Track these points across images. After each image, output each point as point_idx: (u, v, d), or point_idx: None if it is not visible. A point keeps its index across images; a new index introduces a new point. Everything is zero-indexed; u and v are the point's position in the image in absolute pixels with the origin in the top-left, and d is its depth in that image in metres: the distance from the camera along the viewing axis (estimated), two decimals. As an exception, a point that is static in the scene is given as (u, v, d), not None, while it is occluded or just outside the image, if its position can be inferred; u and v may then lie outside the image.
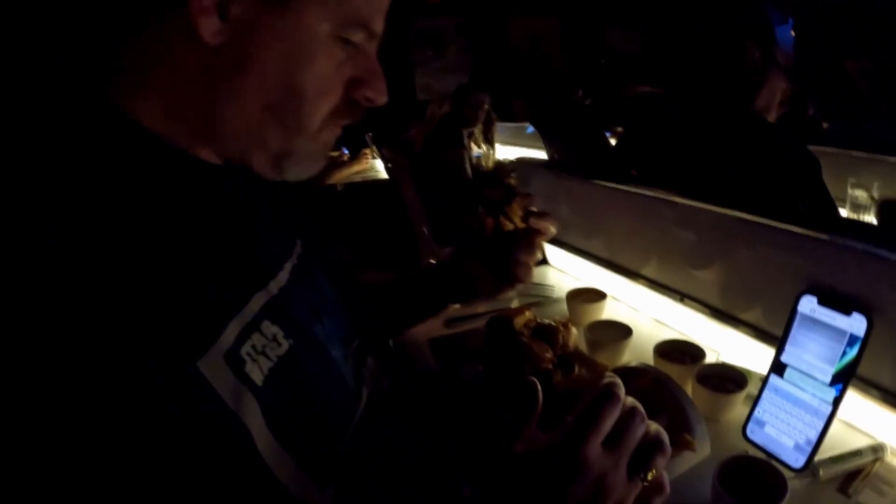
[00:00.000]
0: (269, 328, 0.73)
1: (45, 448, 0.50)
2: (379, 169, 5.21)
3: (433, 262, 1.22)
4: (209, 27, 0.64)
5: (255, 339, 0.70)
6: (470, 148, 4.78)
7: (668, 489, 0.71)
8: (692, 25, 1.78)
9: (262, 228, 0.86)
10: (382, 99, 0.77)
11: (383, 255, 4.32)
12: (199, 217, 0.72)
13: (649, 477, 0.68)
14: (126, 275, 0.58)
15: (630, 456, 0.68)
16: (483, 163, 4.96)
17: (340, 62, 0.72)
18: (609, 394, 0.69)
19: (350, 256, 4.56)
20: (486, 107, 4.82)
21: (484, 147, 5.09)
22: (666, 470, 0.94)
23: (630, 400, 0.71)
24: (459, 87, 4.82)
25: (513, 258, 1.18)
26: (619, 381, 0.71)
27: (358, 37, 0.72)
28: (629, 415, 0.69)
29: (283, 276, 0.83)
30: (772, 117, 1.73)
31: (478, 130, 4.93)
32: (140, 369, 0.54)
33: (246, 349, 0.67)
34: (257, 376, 0.67)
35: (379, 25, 0.74)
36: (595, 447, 0.67)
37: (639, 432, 0.69)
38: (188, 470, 0.57)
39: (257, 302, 0.74)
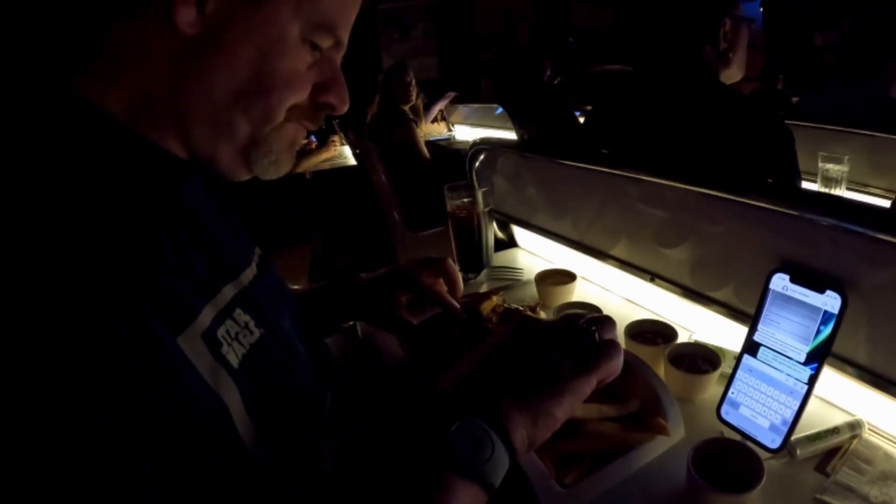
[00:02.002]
0: (241, 316, 0.77)
1: (44, 443, 0.50)
2: (347, 155, 5.18)
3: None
4: (186, 17, 0.66)
5: (229, 324, 0.73)
6: (416, 123, 4.89)
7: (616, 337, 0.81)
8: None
9: (229, 225, 0.90)
10: (343, 107, 0.81)
11: (355, 242, 4.31)
12: (169, 209, 0.74)
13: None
14: (100, 257, 0.58)
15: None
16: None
17: (309, 65, 0.76)
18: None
19: (323, 247, 4.55)
20: (410, 80, 4.97)
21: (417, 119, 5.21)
22: (640, 455, 0.93)
23: None
24: (386, 69, 5.02)
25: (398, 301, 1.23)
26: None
27: (326, 43, 0.76)
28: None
29: (250, 271, 0.87)
30: (738, 76, 1.75)
31: (418, 105, 5.20)
32: (121, 342, 0.55)
33: (221, 332, 0.71)
34: (233, 359, 0.70)
35: (345, 35, 0.78)
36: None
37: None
38: (171, 444, 0.58)
39: (229, 291, 0.78)
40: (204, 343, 0.67)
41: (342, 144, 5.33)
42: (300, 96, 0.76)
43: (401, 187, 4.06)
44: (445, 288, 1.20)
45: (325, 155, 5.12)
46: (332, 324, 1.30)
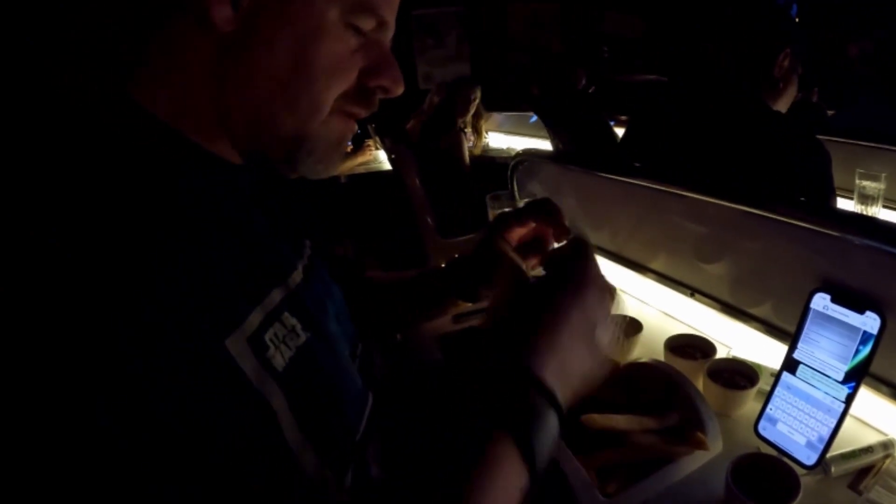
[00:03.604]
0: (289, 319, 0.75)
1: (40, 447, 0.49)
2: (382, 160, 5.20)
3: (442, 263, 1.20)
4: (222, 15, 0.65)
5: (276, 327, 0.71)
6: (465, 135, 4.90)
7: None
8: (723, 21, 1.77)
9: (276, 227, 0.87)
10: (398, 88, 0.78)
11: (387, 246, 4.32)
12: (218, 211, 0.73)
13: None
14: (153, 262, 0.58)
15: None
16: (474, 151, 5.13)
17: (353, 49, 0.72)
18: None
19: (354, 250, 4.57)
20: (476, 98, 5.00)
21: (473, 137, 5.29)
22: (679, 468, 0.94)
23: None
24: (455, 80, 5.03)
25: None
26: None
27: (368, 25, 0.72)
28: None
29: (297, 275, 0.84)
30: (783, 108, 1.73)
31: (468, 120, 5.15)
32: (169, 347, 0.55)
33: (269, 335, 0.69)
34: (279, 363, 0.69)
35: (389, 14, 0.74)
36: None
37: None
38: (218, 447, 0.58)
39: (277, 294, 0.75)
40: (249, 346, 0.66)
41: (377, 149, 5.37)
42: (345, 83, 0.73)
43: (435, 193, 4.07)
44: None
45: (360, 159, 5.15)
46: (435, 307, 1.26)
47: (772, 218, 1.16)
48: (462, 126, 4.91)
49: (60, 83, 0.71)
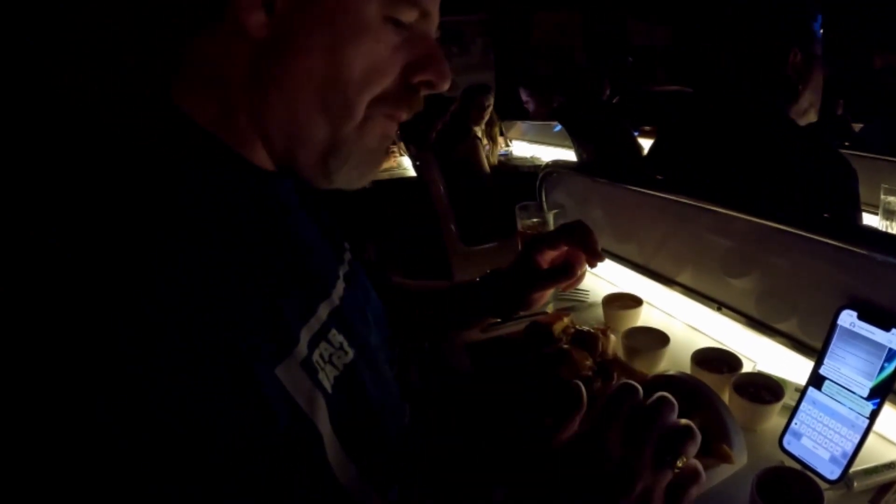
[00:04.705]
0: (336, 337, 0.74)
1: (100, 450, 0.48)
2: (407, 166, 5.23)
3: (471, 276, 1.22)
4: (256, 21, 0.64)
5: (323, 347, 0.71)
6: (482, 141, 4.94)
7: (703, 476, 0.69)
8: (724, 24, 1.76)
9: (318, 235, 0.87)
10: (444, 83, 0.74)
11: (410, 252, 4.34)
12: (261, 223, 0.72)
13: (679, 464, 0.67)
14: (199, 281, 0.57)
15: (656, 444, 0.67)
16: (490, 159, 5.14)
17: (395, 46, 0.70)
18: (625, 385, 0.71)
19: (377, 255, 4.59)
20: (490, 106, 5.06)
21: (489, 144, 5.31)
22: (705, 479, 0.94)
23: (660, 393, 0.71)
24: (468, 87, 5.04)
25: (532, 291, 1.17)
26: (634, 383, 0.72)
27: (410, 16, 0.69)
28: (653, 404, 0.70)
29: (340, 285, 0.84)
30: (812, 118, 1.71)
31: (483, 128, 5.17)
32: (219, 376, 0.55)
33: (316, 357, 0.69)
34: (327, 384, 0.68)
35: (432, 4, 0.71)
36: (614, 435, 0.68)
37: (664, 420, 0.69)
38: (261, 472, 0.57)
39: (324, 310, 0.75)
40: (303, 369, 0.65)
41: (402, 155, 5.40)
42: (383, 84, 0.70)
43: (458, 201, 4.08)
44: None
45: (384, 165, 5.20)
46: (476, 319, 1.28)
47: (798, 234, 1.17)
48: (478, 134, 4.93)
49: (97, 89, 0.70)
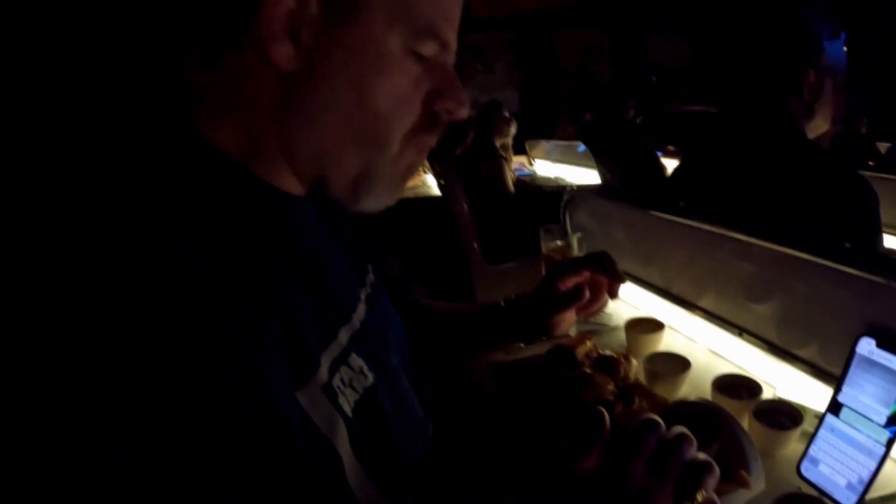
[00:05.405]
0: (356, 361, 0.75)
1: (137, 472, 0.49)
2: (431, 184, 5.26)
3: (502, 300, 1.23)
4: (283, 53, 0.65)
5: (344, 371, 0.72)
6: (507, 159, 4.95)
7: None
8: (741, 46, 1.77)
9: (340, 259, 0.88)
10: (462, 111, 0.76)
11: (432, 270, 4.35)
12: (284, 248, 0.72)
13: (699, 498, 0.70)
14: (222, 306, 0.57)
15: (677, 477, 0.70)
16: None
17: (417, 78, 0.71)
18: (650, 421, 0.73)
19: (398, 271, 4.60)
20: (509, 118, 5.11)
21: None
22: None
23: (679, 427, 0.74)
24: (485, 103, 5.11)
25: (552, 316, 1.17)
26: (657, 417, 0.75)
27: (431, 49, 0.71)
28: (675, 439, 0.72)
29: (361, 308, 0.85)
30: (823, 129, 1.72)
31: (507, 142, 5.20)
32: (240, 399, 0.55)
33: (336, 381, 0.70)
34: (347, 408, 0.69)
35: (451, 35, 0.73)
36: (638, 468, 0.70)
37: (685, 455, 0.71)
38: (280, 492, 0.58)
39: (344, 335, 0.76)
40: (324, 394, 0.66)
41: (425, 173, 5.43)
42: (411, 117, 0.72)
43: (482, 219, 4.10)
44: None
45: (409, 183, 5.22)
46: (500, 343, 1.29)
47: (818, 263, 1.19)
48: (502, 153, 4.96)
49: (123, 115, 0.72)
